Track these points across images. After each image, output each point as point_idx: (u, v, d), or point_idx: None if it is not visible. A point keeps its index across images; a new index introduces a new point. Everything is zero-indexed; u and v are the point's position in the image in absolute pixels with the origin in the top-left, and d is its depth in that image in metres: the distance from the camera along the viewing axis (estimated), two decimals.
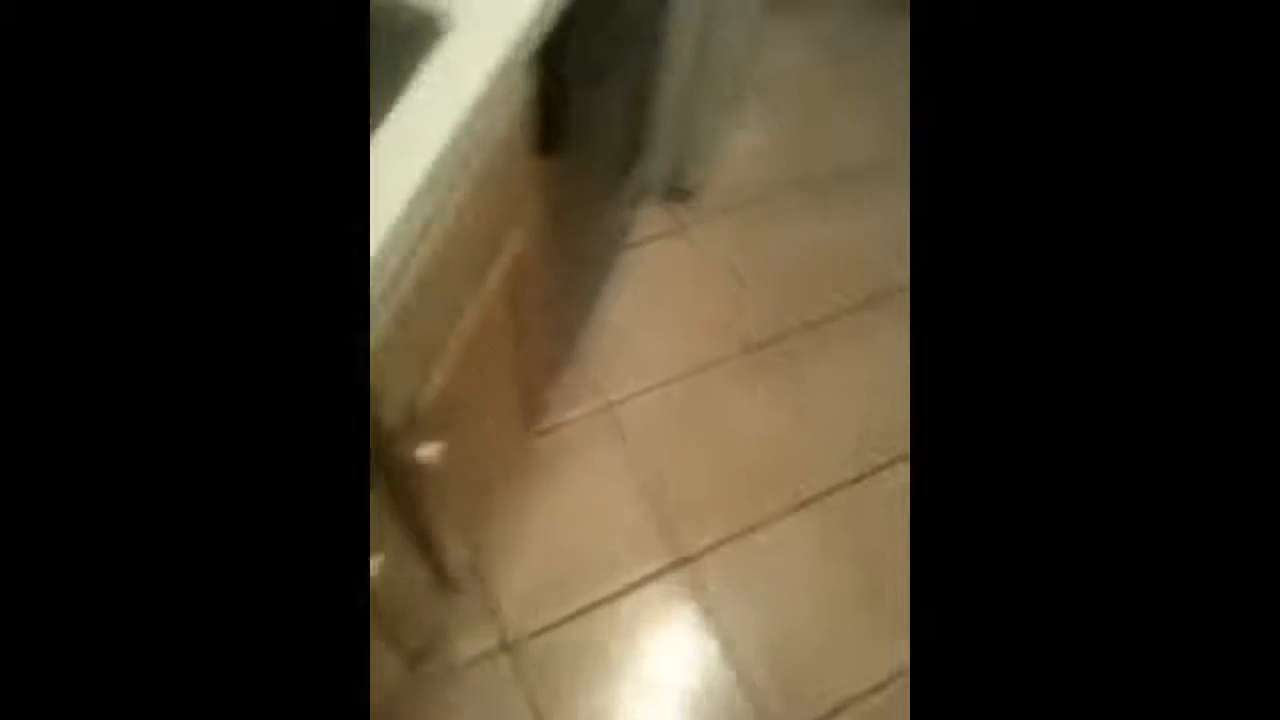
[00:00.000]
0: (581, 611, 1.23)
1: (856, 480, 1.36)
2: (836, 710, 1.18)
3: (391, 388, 0.63)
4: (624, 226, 1.46)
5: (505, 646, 1.19)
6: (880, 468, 1.38)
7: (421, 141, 0.57)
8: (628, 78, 1.08)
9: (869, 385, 1.45)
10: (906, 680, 1.20)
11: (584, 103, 0.88)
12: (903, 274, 1.57)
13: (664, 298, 1.52)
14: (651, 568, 1.27)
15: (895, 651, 1.22)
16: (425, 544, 0.88)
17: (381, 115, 0.58)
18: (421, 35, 0.63)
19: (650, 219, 1.58)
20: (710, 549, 1.29)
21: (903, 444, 1.39)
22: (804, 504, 1.34)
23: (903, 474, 1.37)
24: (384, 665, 0.93)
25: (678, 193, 1.58)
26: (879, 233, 1.61)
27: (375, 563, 0.70)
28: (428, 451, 0.71)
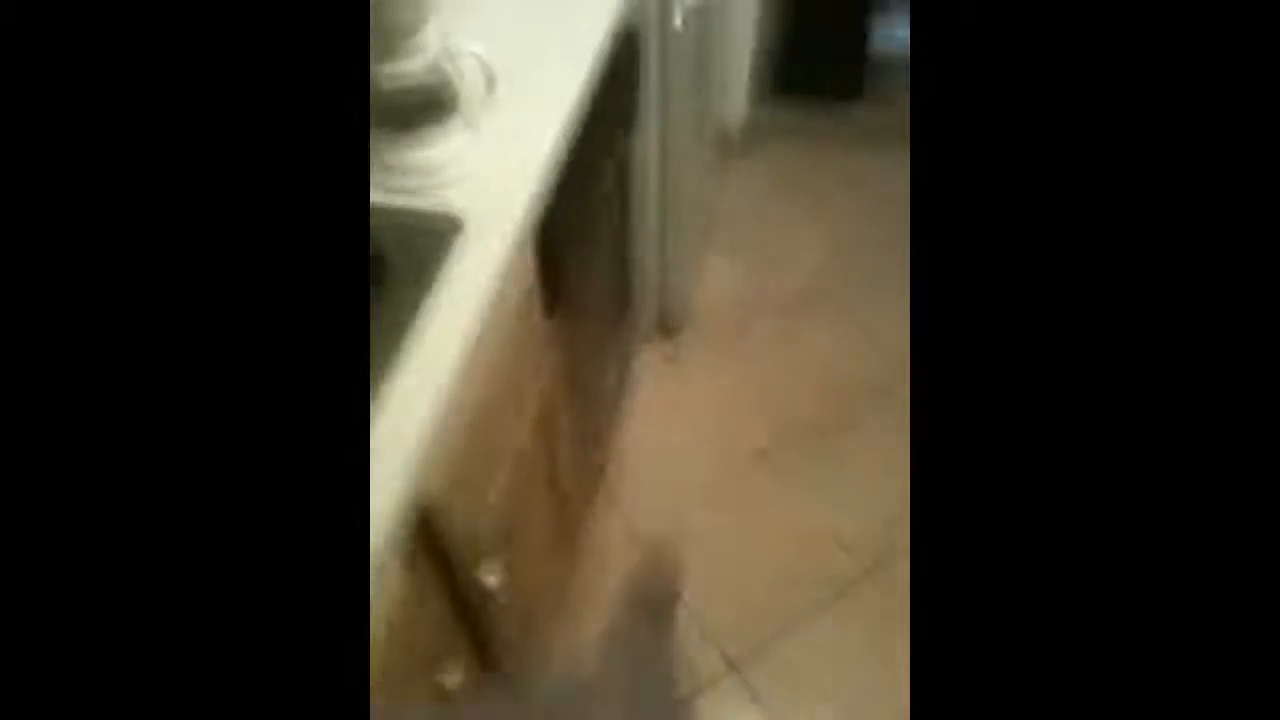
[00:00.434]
0: None
1: (874, 568, 1.45)
2: None
3: (455, 523, 0.76)
4: (628, 364, 1.61)
5: None
6: (884, 560, 1.47)
7: (459, 312, 0.74)
8: (608, 238, 1.26)
9: (876, 483, 1.56)
10: None
11: (575, 267, 1.05)
12: (886, 373, 1.70)
13: (673, 425, 1.65)
14: (701, 678, 1.33)
15: None
16: (490, 663, 0.97)
17: (422, 299, 0.74)
18: (445, 231, 0.80)
19: (648, 355, 1.73)
20: (755, 652, 1.36)
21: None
22: (835, 598, 1.42)
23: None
24: None
25: (669, 329, 1.75)
26: (856, 340, 1.76)
27: (451, 679, 0.80)
28: (492, 578, 0.82)
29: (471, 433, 0.77)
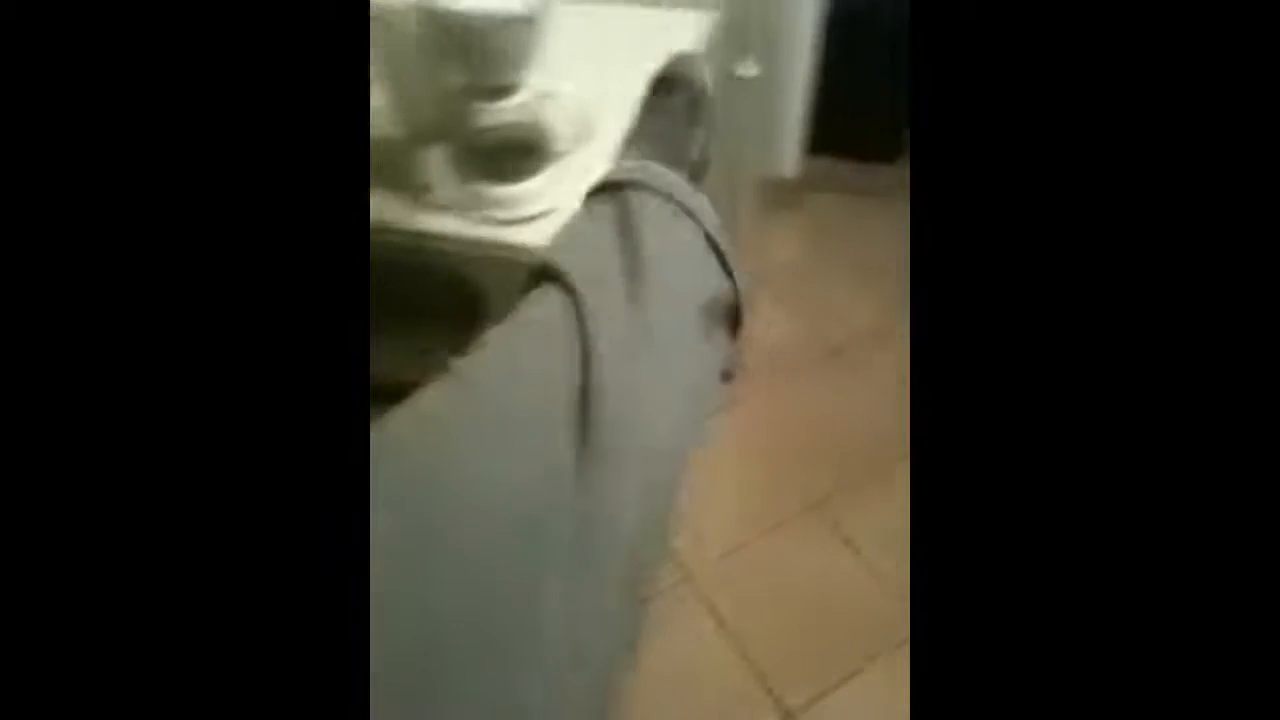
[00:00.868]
0: None
1: None
2: None
3: None
4: None
5: None
6: None
7: None
8: None
9: None
10: None
11: None
12: None
13: (720, 469, 1.65)
14: None
15: None
16: None
17: None
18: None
19: None
20: (815, 700, 1.34)
21: None
22: (890, 649, 1.40)
23: None
24: None
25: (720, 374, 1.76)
26: (903, 384, 1.77)
27: None
28: None
29: None
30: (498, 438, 0.54)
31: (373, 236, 0.88)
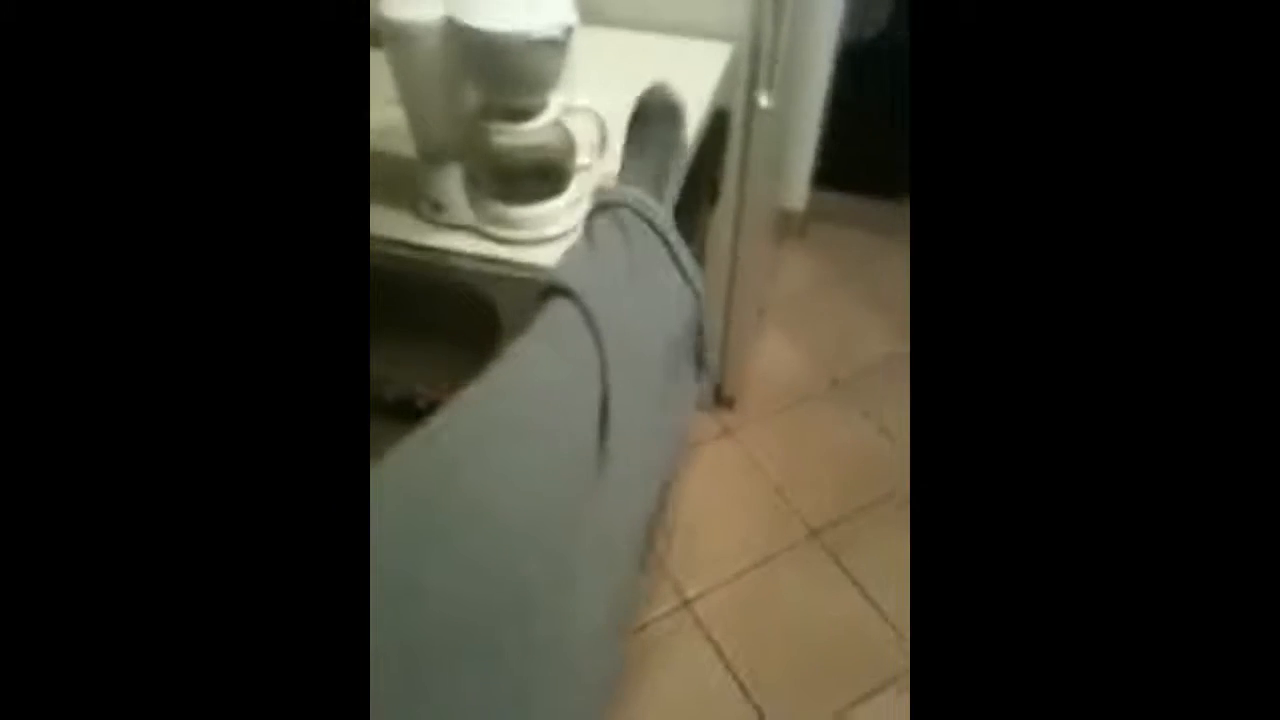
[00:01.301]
0: None
1: None
2: None
3: None
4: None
5: None
6: None
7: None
8: None
9: None
10: None
11: None
12: None
13: (724, 496, 1.64)
14: None
15: None
16: None
17: None
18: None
19: (703, 426, 1.74)
20: None
21: None
22: (886, 683, 1.38)
23: None
24: None
25: (724, 400, 1.76)
26: (906, 417, 1.77)
27: None
28: None
29: None
30: (520, 446, 0.56)
31: (389, 255, 0.88)
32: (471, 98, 0.84)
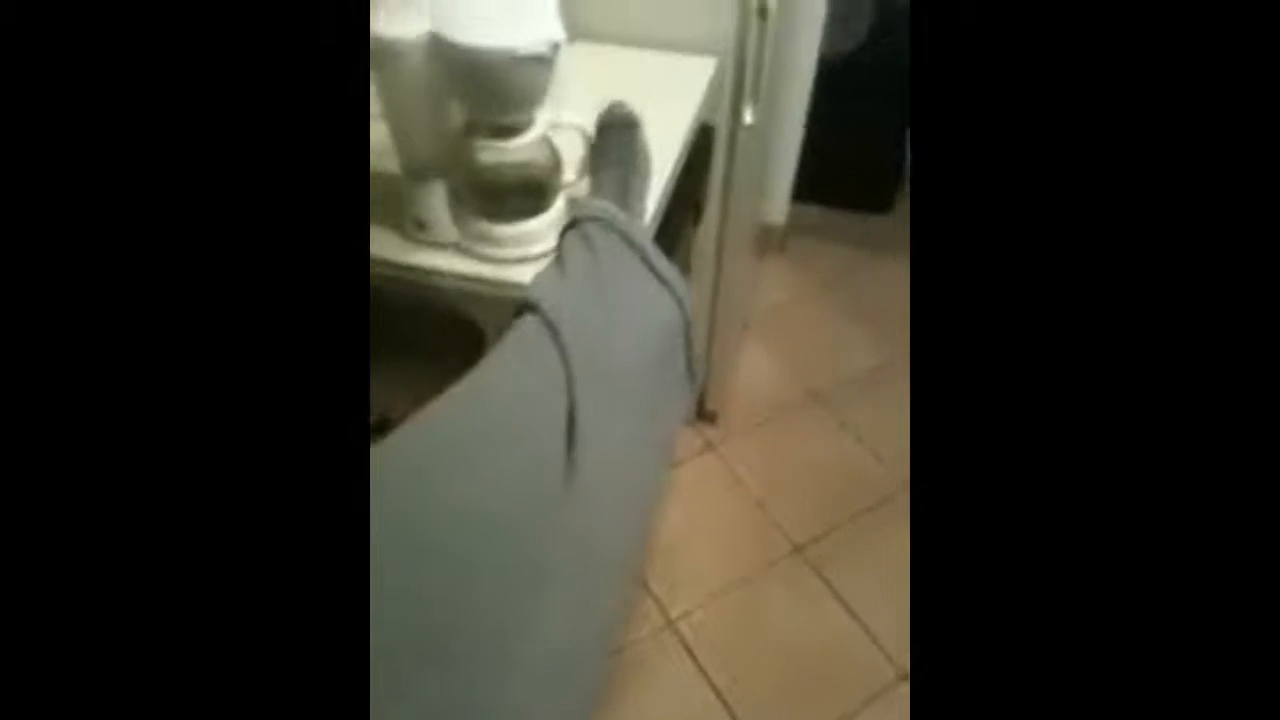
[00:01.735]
0: None
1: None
2: None
3: None
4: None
5: None
6: None
7: None
8: None
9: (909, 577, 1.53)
10: None
11: None
12: None
13: (707, 512, 1.63)
14: None
15: None
16: None
17: None
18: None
19: (686, 441, 1.73)
20: None
21: None
22: (871, 698, 1.38)
23: None
24: None
25: (706, 415, 1.75)
26: (888, 430, 1.77)
27: None
28: None
29: None
30: (483, 454, 0.57)
31: (371, 273, 0.86)
32: (456, 114, 0.82)
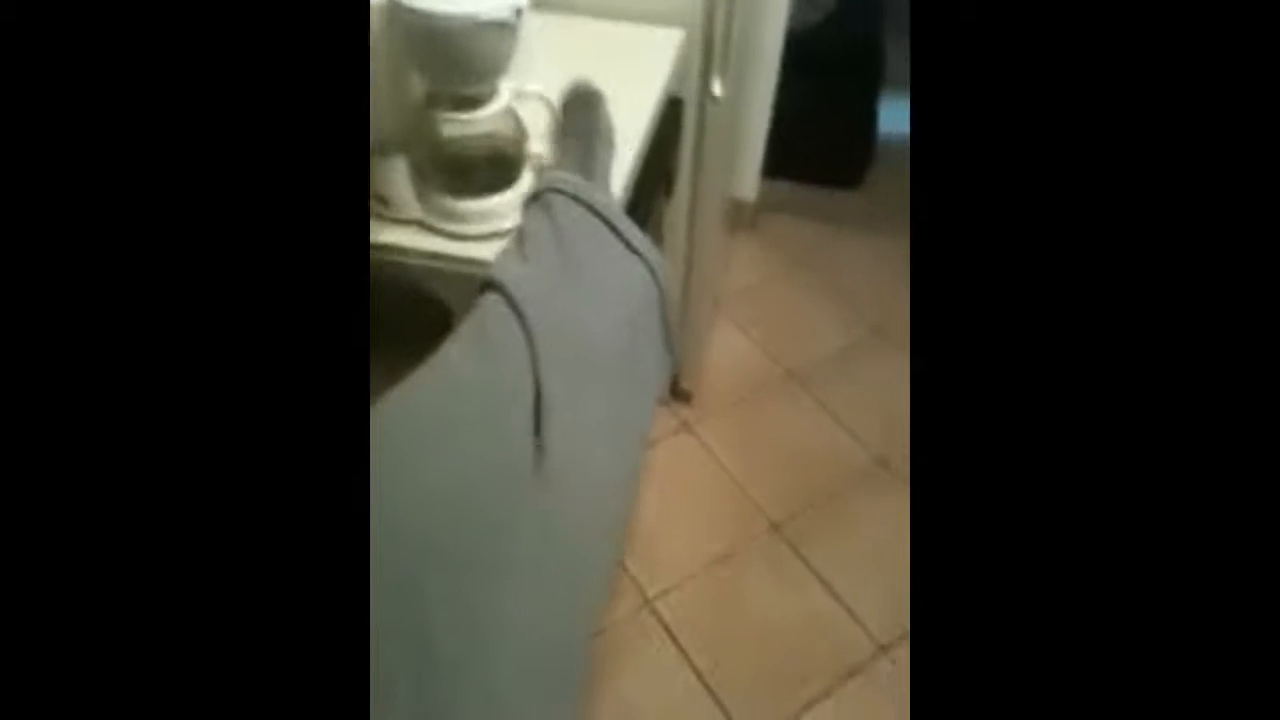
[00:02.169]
0: None
1: (890, 646, 1.41)
2: None
3: None
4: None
5: None
6: (901, 637, 1.43)
7: None
8: None
9: (887, 553, 1.53)
10: None
11: None
12: (897, 445, 1.70)
13: (683, 492, 1.62)
14: None
15: None
16: None
17: None
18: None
19: (661, 421, 1.71)
20: None
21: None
22: (851, 674, 1.38)
23: None
24: None
25: (681, 394, 1.74)
26: (863, 407, 1.77)
27: None
28: None
29: None
30: (450, 439, 0.57)
31: None
32: (417, 85, 0.79)
